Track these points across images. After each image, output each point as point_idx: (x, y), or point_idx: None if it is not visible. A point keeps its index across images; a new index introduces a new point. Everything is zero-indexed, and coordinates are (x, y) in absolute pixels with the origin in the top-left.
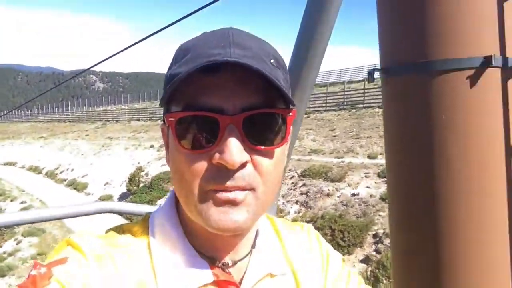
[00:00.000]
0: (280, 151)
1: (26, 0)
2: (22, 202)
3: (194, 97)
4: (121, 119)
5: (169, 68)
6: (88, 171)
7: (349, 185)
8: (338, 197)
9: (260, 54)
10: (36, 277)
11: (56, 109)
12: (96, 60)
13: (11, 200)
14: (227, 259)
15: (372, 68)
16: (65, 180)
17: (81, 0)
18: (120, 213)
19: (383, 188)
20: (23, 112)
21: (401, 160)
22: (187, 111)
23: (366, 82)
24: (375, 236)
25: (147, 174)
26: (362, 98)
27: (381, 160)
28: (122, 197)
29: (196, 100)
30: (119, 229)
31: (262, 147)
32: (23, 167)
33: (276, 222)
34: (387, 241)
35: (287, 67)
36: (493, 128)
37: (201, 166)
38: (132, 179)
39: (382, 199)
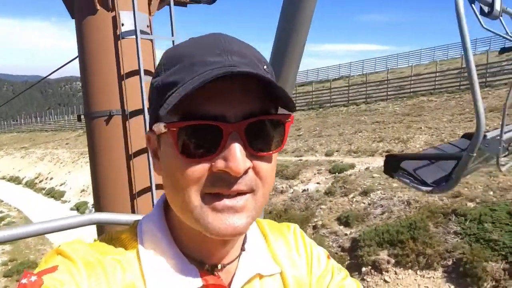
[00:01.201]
0: (276, 155)
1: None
2: None
3: (195, 106)
4: None
5: (156, 75)
6: (66, 179)
7: (302, 181)
8: (291, 193)
9: (255, 61)
10: (26, 286)
11: (39, 118)
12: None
13: None
14: (217, 263)
15: None
16: (44, 189)
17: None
18: (107, 224)
19: (330, 183)
20: (6, 123)
21: (93, 168)
22: (187, 120)
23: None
24: (314, 227)
25: None
26: (329, 97)
27: (336, 157)
28: None
29: (196, 109)
30: (108, 237)
31: (263, 153)
32: (3, 178)
33: (263, 224)
34: (323, 231)
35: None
36: (119, 150)
37: (202, 173)
38: None
39: (326, 193)
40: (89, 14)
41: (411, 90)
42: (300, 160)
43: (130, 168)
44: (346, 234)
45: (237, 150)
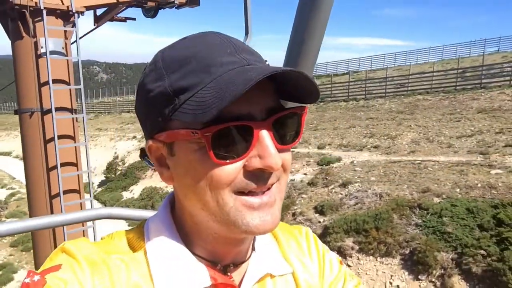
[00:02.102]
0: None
1: None
2: (8, 188)
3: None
4: (113, 110)
5: (159, 79)
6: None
7: (290, 172)
8: None
9: (261, 58)
10: (29, 285)
11: None
12: (98, 51)
13: (1, 187)
14: (229, 262)
15: None
16: None
17: None
18: (119, 218)
19: (315, 174)
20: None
21: (24, 154)
22: (217, 123)
23: (333, 77)
24: (293, 214)
25: (124, 163)
26: (330, 92)
27: (328, 151)
28: (101, 184)
29: (225, 110)
30: (115, 236)
31: (287, 146)
32: (17, 157)
33: None
34: (300, 218)
35: (284, 60)
36: (37, 136)
37: (235, 174)
38: (110, 168)
39: (309, 183)
40: (18, 39)
41: (409, 88)
42: (293, 151)
43: (46, 151)
44: (319, 222)
45: (271, 147)
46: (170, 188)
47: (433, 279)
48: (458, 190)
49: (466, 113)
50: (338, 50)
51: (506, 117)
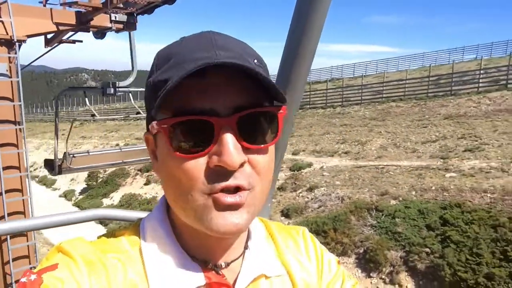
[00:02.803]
0: (271, 148)
1: None
2: None
3: (185, 102)
4: (97, 118)
5: (150, 76)
6: None
7: None
8: None
9: (244, 55)
10: (26, 284)
11: (42, 109)
12: (87, 58)
13: None
14: (220, 261)
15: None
16: (37, 176)
17: None
18: (113, 219)
19: (286, 179)
20: None
21: None
22: (178, 116)
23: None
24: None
25: (105, 171)
26: (309, 99)
27: (301, 156)
28: (83, 192)
29: (186, 105)
30: (111, 235)
31: (257, 146)
32: None
33: (270, 225)
34: None
35: (279, 66)
36: None
37: (199, 169)
38: (91, 175)
39: (279, 188)
40: None
41: (384, 95)
42: None
43: None
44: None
45: (230, 143)
46: (149, 195)
47: (383, 276)
48: (413, 192)
49: (434, 119)
50: (331, 57)
51: (470, 123)
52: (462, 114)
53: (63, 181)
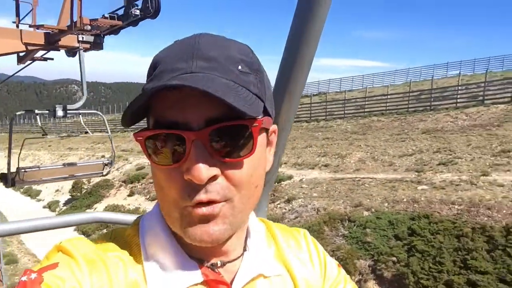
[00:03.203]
0: (252, 159)
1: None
2: None
3: (161, 114)
4: (84, 130)
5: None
6: None
7: None
8: None
9: (226, 64)
10: (26, 283)
11: (30, 120)
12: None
13: None
14: (217, 261)
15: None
16: (22, 188)
17: None
18: (109, 223)
19: None
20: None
21: None
22: (154, 128)
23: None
24: None
25: (89, 182)
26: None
27: (282, 169)
28: (67, 203)
29: (162, 117)
30: (111, 234)
31: (231, 159)
32: None
33: (272, 226)
34: None
35: (277, 74)
36: None
37: (176, 181)
38: (75, 187)
39: None
40: None
41: (366, 110)
42: None
43: None
44: None
45: (197, 158)
46: (132, 206)
47: None
48: (386, 204)
49: (412, 133)
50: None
51: (445, 137)
52: (439, 128)
53: (47, 192)
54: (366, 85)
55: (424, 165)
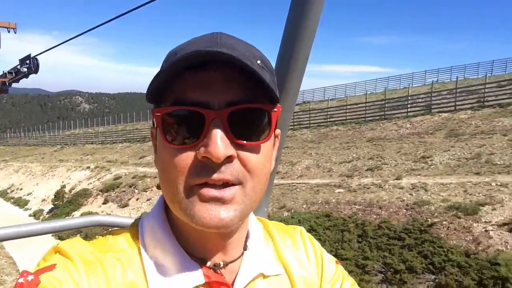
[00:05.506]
0: (266, 148)
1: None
2: None
3: (181, 93)
4: (77, 142)
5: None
6: (33, 190)
7: None
8: None
9: (247, 55)
10: (23, 285)
11: (35, 132)
12: (82, 81)
13: None
14: (219, 261)
15: None
16: (13, 198)
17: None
18: (109, 226)
19: None
20: (4, 135)
21: None
22: (173, 106)
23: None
24: None
25: (71, 191)
26: None
27: None
28: (50, 211)
29: (183, 96)
30: (109, 235)
31: (248, 142)
32: None
33: (269, 224)
34: None
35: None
36: None
37: (187, 161)
38: (57, 196)
39: None
40: None
41: (328, 119)
42: None
43: None
44: None
45: (217, 135)
46: (104, 213)
47: None
48: (305, 206)
49: (359, 142)
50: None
51: (383, 145)
52: (383, 137)
53: (34, 202)
54: (348, 93)
55: (355, 170)
